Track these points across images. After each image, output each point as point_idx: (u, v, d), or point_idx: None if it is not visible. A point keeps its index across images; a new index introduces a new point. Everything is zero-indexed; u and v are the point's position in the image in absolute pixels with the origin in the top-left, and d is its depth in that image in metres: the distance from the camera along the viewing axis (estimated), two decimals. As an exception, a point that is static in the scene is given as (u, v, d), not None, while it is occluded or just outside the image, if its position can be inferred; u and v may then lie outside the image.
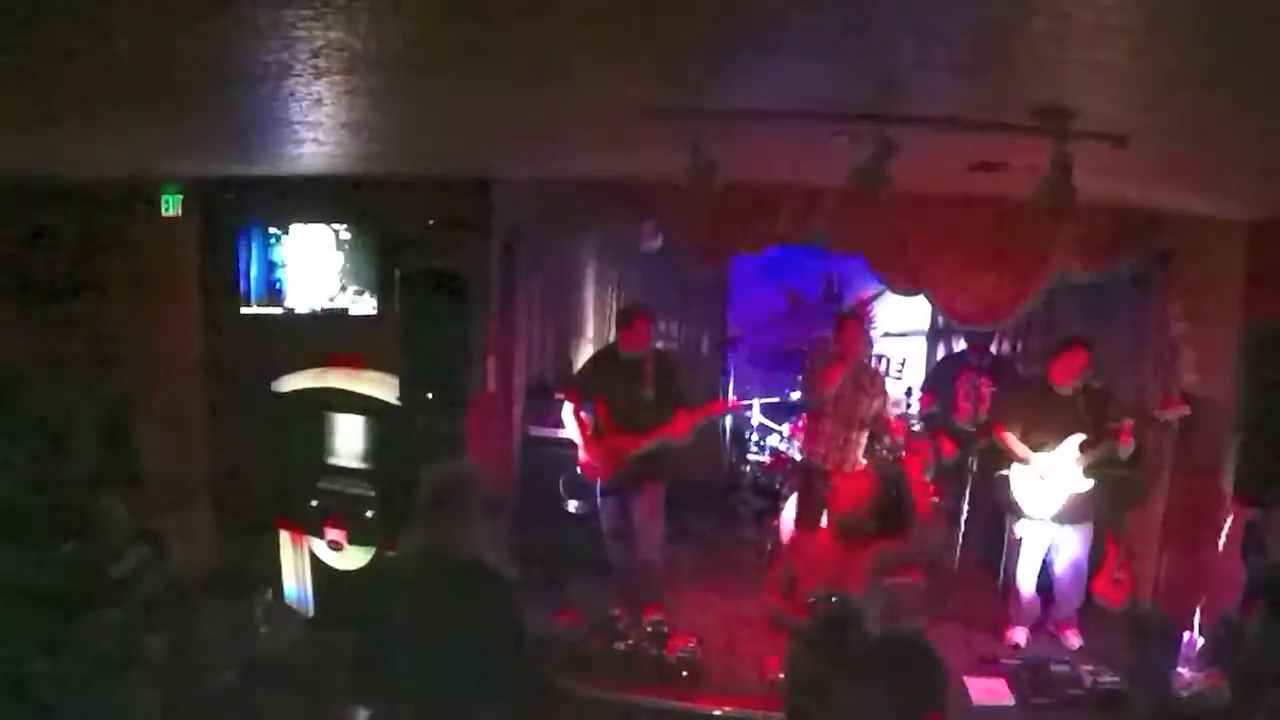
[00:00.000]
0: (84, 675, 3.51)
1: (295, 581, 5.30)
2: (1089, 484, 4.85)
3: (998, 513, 5.47)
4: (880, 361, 7.18)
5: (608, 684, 4.47)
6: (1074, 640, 5.15)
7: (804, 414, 6.11)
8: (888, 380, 6.04)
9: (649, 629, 4.83)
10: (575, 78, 2.71)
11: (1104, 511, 5.13)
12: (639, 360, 5.08)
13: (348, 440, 5.17)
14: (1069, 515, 4.94)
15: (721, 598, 5.64)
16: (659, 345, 6.39)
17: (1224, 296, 4.83)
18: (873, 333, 7.39)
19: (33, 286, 5.28)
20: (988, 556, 5.85)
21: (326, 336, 5.34)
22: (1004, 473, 5.08)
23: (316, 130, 3.55)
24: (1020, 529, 5.08)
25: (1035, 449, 4.92)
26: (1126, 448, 4.76)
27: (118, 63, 2.49)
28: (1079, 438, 4.82)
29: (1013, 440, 4.97)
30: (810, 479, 5.62)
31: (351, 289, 5.37)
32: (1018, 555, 5.14)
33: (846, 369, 5.38)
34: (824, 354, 5.68)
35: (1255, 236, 4.69)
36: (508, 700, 2.84)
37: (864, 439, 5.61)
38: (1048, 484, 4.88)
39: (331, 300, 5.40)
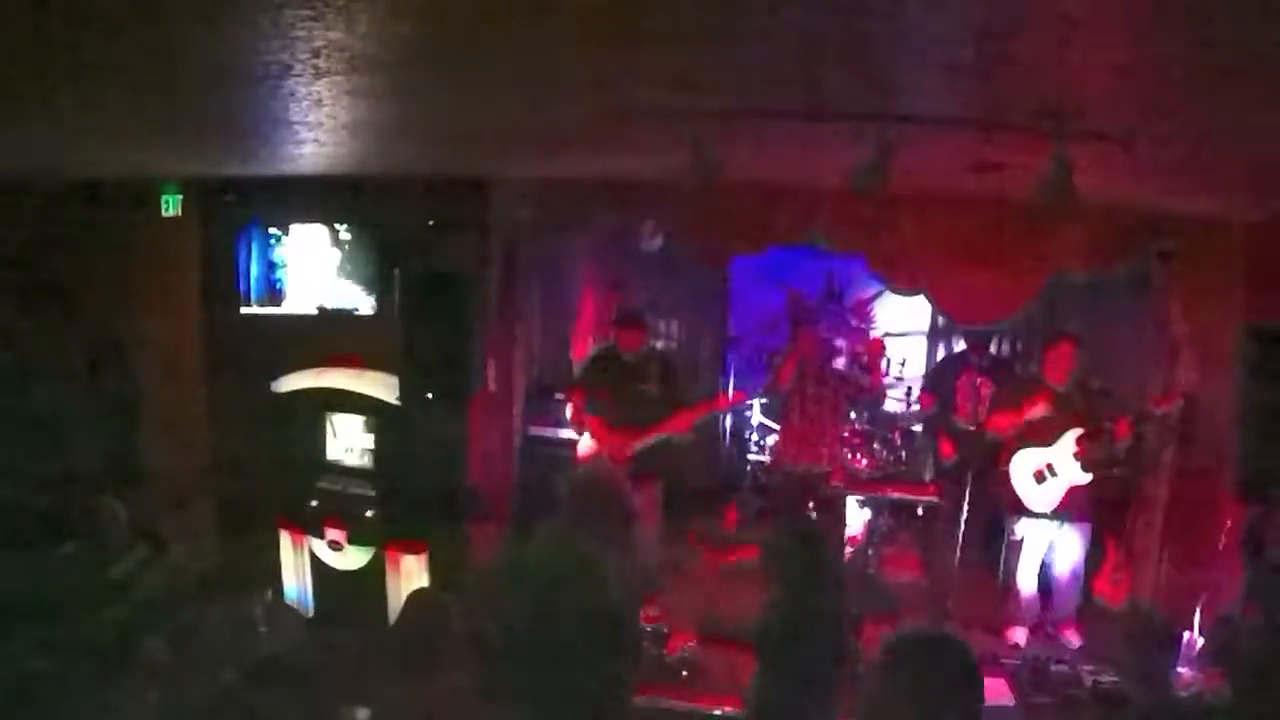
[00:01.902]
0: (84, 675, 3.51)
1: (295, 581, 5.30)
2: (1087, 478, 4.86)
3: (998, 512, 5.48)
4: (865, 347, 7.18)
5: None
6: (1073, 640, 5.15)
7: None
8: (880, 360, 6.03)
9: (648, 629, 4.83)
10: (575, 77, 2.71)
11: (1103, 510, 5.14)
12: (641, 359, 5.15)
13: (348, 440, 5.17)
14: (1068, 513, 4.95)
15: (722, 597, 5.64)
16: (658, 345, 6.41)
17: (1224, 296, 4.83)
18: (873, 332, 7.39)
19: (33, 286, 5.28)
20: (988, 556, 5.86)
21: (326, 336, 5.33)
22: (1004, 468, 5.10)
23: (316, 130, 3.55)
24: (1021, 528, 5.08)
25: (1035, 446, 4.93)
26: (1124, 441, 4.79)
27: (118, 62, 2.49)
28: (1077, 432, 4.84)
29: (1013, 436, 4.98)
30: (784, 482, 5.63)
31: (351, 289, 5.36)
32: (1018, 555, 5.15)
33: (796, 368, 5.51)
34: (781, 357, 5.81)
35: (1255, 237, 4.69)
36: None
37: (839, 438, 5.67)
38: (1047, 479, 4.90)
39: (331, 300, 5.40)
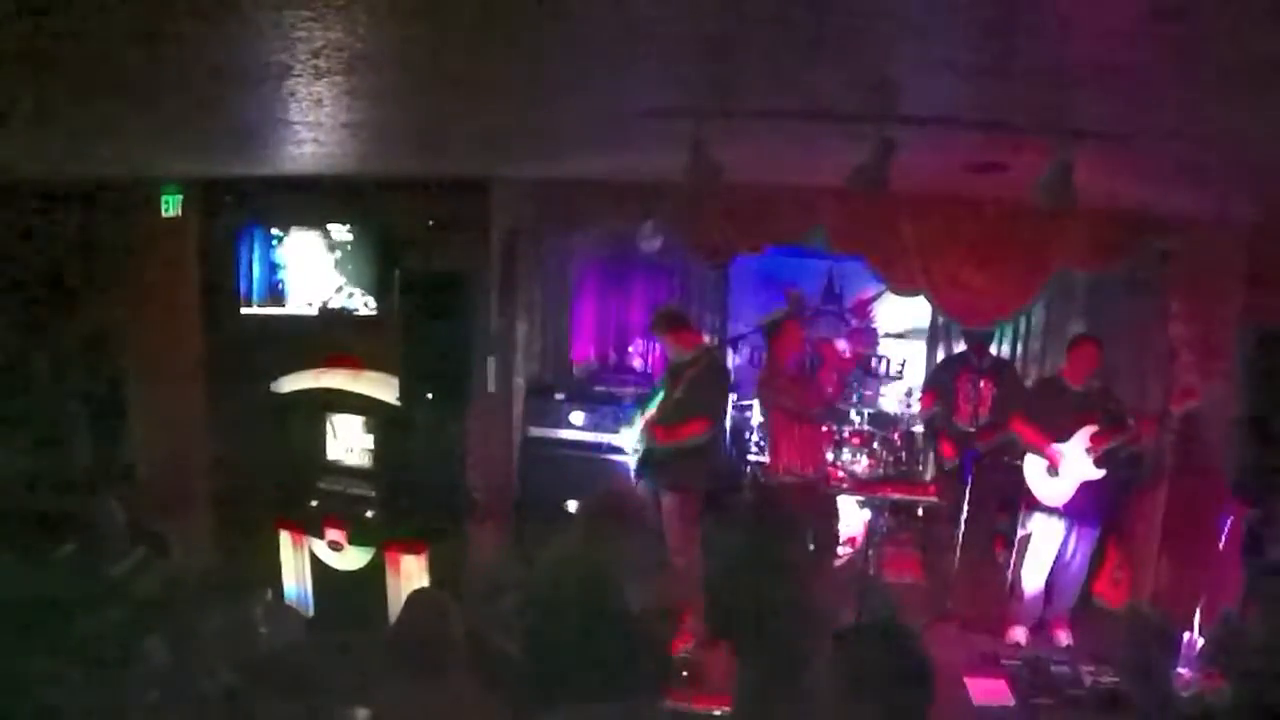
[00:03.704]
0: (84, 675, 3.51)
1: (295, 581, 5.30)
2: (1099, 474, 4.90)
3: (1000, 511, 5.48)
4: (881, 362, 7.17)
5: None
6: (1063, 638, 5.16)
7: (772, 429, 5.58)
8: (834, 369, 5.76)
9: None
10: (575, 78, 2.71)
11: (1110, 509, 5.16)
12: (683, 363, 5.13)
13: (348, 440, 5.17)
14: (1078, 512, 4.96)
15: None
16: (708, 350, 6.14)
17: (1224, 297, 4.83)
18: (874, 333, 7.39)
19: (33, 286, 5.28)
20: (988, 556, 5.85)
21: (326, 337, 5.34)
22: (1017, 462, 5.15)
23: (316, 130, 3.54)
24: (1032, 524, 5.10)
25: (1050, 441, 4.98)
26: (1145, 440, 4.90)
27: (118, 62, 2.49)
28: (1091, 429, 4.89)
29: (1031, 432, 5.03)
30: (786, 494, 5.33)
31: (351, 289, 5.36)
32: (1025, 552, 5.16)
33: (842, 372, 5.31)
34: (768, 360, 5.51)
35: (1255, 237, 4.69)
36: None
37: (829, 442, 5.56)
38: (1061, 473, 4.94)
39: (331, 301, 5.40)
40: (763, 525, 3.44)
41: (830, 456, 5.71)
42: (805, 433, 5.25)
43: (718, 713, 4.31)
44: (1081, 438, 4.92)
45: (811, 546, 5.74)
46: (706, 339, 5.70)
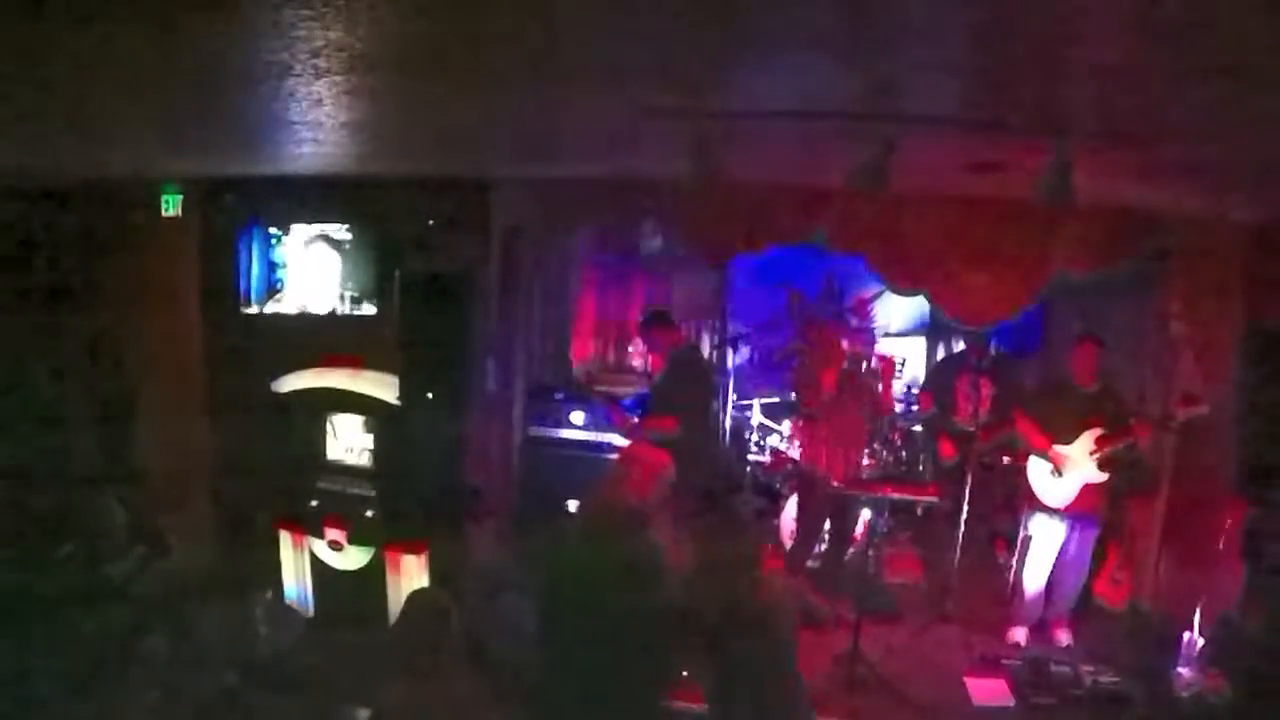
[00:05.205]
0: (84, 675, 3.51)
1: (295, 581, 5.29)
2: (1103, 476, 4.89)
3: (1000, 511, 5.47)
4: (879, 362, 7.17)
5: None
6: (1064, 638, 5.16)
7: (800, 421, 5.96)
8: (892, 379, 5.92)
9: None
10: (575, 78, 2.71)
11: (1112, 509, 5.16)
12: (669, 360, 5.40)
13: (348, 440, 5.17)
14: (1080, 512, 4.96)
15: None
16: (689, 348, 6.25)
17: (1224, 297, 4.83)
18: (874, 333, 7.38)
19: (33, 286, 5.29)
20: (988, 557, 5.84)
21: (326, 336, 5.33)
22: (1019, 463, 5.14)
23: (316, 130, 3.55)
24: (1033, 525, 5.10)
25: (1053, 443, 4.98)
26: (1145, 444, 4.86)
27: (118, 62, 2.49)
28: (1095, 431, 4.87)
29: (1034, 431, 5.02)
30: (810, 489, 5.52)
31: (351, 289, 5.36)
32: (1025, 552, 5.16)
33: (838, 374, 5.37)
34: (812, 360, 5.65)
35: (1255, 237, 4.69)
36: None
37: (864, 445, 5.58)
38: (1064, 475, 4.93)
39: (331, 300, 5.40)
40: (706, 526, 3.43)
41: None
42: (829, 433, 5.37)
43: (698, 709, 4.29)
44: (1086, 440, 4.90)
45: (824, 547, 5.76)
46: (686, 339, 5.96)
